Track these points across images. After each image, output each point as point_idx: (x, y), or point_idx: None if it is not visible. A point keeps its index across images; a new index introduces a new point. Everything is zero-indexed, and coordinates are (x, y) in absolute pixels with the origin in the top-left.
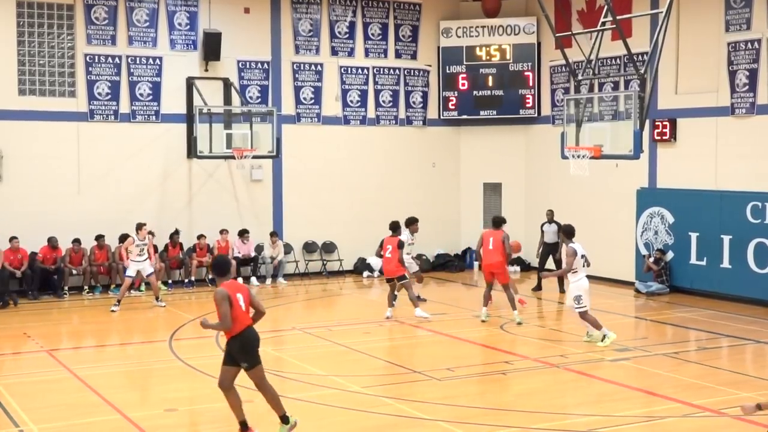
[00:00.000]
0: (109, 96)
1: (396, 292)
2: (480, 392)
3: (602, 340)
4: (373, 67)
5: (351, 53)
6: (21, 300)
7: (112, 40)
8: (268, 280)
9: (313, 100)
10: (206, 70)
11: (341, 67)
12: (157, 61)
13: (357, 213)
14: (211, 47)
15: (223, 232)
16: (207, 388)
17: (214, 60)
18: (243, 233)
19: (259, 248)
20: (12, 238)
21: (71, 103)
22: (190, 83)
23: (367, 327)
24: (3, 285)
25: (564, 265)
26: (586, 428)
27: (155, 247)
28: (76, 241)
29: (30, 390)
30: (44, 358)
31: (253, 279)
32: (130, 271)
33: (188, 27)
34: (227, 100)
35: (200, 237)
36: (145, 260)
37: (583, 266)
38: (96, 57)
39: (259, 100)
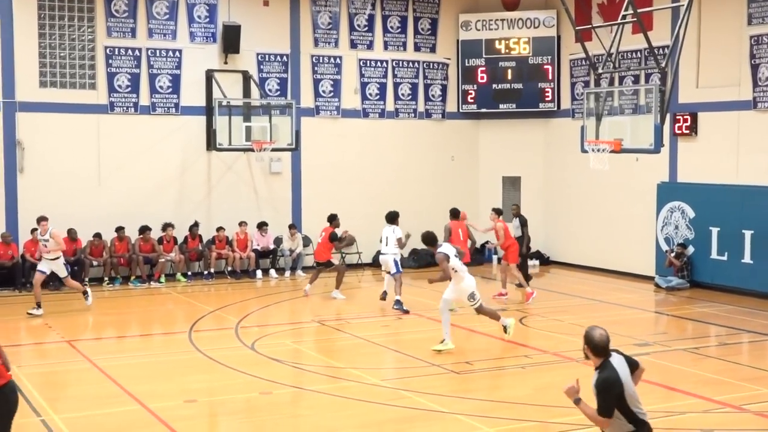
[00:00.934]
0: (129, 88)
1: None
2: (498, 386)
3: (441, 343)
4: (392, 60)
5: (370, 46)
6: (42, 291)
7: (132, 32)
8: (287, 273)
9: (332, 93)
10: (225, 63)
11: (360, 59)
12: (177, 53)
13: (376, 206)
14: (231, 40)
15: (242, 224)
16: (226, 380)
17: (234, 53)
18: (262, 225)
19: (278, 241)
20: (33, 230)
21: (92, 95)
22: (209, 76)
23: (385, 320)
24: (24, 275)
25: (443, 272)
26: None
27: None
28: (97, 235)
29: (51, 380)
30: (65, 348)
31: (272, 271)
32: (42, 267)
33: (207, 20)
34: (246, 92)
35: (219, 229)
36: (54, 259)
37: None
38: (116, 49)
39: (278, 92)
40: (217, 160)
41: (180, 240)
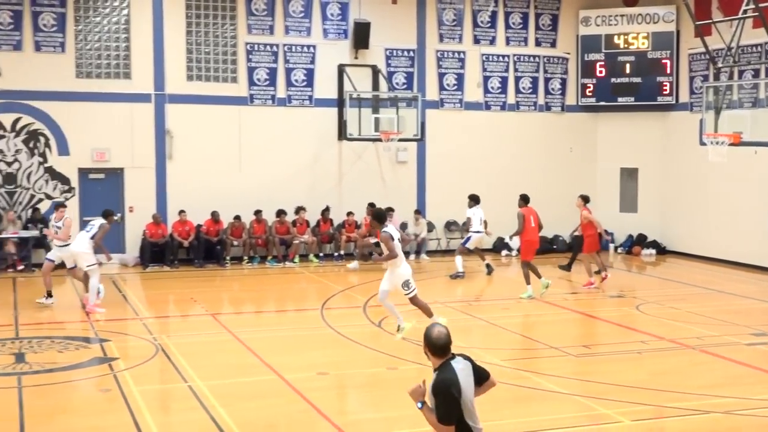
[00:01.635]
0: (267, 82)
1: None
2: (615, 370)
3: (398, 331)
4: (514, 55)
5: (492, 42)
6: (188, 268)
7: (270, 29)
8: (412, 256)
9: (455, 87)
10: (356, 58)
11: (483, 54)
12: (311, 49)
13: (496, 195)
14: (361, 36)
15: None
16: (355, 355)
17: (364, 48)
18: (388, 211)
19: (404, 225)
20: (180, 211)
21: (233, 88)
22: (341, 70)
23: (505, 303)
24: (172, 253)
25: (386, 252)
26: (722, 410)
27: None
28: (237, 217)
29: (197, 350)
30: (209, 321)
31: None
32: (51, 255)
33: (340, 17)
34: (375, 86)
35: (349, 214)
36: (64, 245)
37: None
38: (256, 45)
39: (405, 86)
40: (347, 150)
41: (313, 223)
